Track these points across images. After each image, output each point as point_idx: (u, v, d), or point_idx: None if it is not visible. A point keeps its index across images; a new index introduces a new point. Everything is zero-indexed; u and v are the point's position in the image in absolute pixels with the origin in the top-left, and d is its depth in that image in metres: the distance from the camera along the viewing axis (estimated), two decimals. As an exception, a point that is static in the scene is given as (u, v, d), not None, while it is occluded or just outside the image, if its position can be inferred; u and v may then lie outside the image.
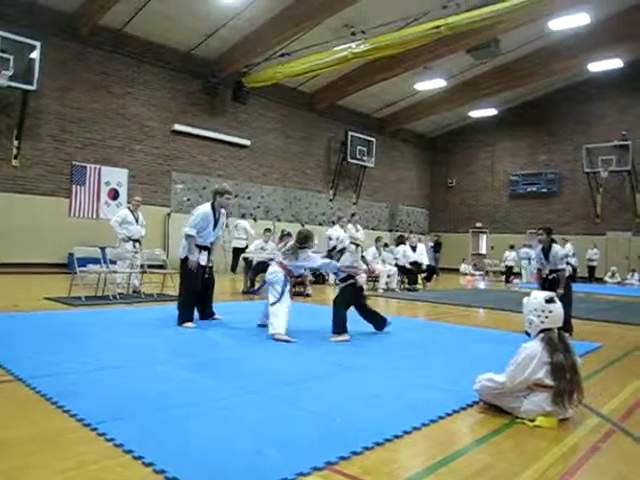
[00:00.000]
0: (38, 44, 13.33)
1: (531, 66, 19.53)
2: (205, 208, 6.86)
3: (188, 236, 6.69)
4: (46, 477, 2.47)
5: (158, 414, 3.32)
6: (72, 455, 2.71)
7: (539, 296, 3.80)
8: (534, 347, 3.64)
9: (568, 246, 18.05)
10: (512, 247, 21.51)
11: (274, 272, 6.44)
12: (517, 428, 3.44)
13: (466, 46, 17.18)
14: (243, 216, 15.97)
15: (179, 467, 2.56)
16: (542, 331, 3.71)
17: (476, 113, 24.50)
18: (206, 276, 6.92)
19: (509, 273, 20.92)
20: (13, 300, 8.34)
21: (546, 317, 3.70)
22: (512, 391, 3.62)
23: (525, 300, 3.89)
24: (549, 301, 3.73)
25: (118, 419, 3.19)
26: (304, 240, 6.55)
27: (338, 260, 6.75)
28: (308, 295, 11.37)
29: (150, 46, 16.23)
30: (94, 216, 15.06)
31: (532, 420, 3.50)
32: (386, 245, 15.21)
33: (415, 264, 14.46)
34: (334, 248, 7.00)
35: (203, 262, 6.81)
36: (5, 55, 12.69)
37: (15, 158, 13.81)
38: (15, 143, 13.78)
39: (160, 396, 3.69)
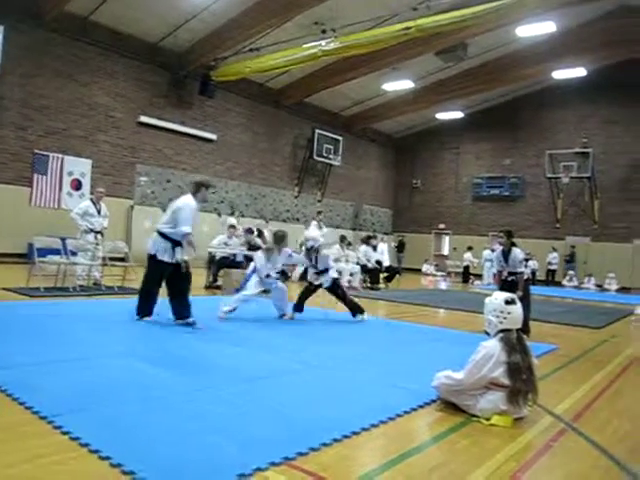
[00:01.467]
0: (1, 28, 12.99)
1: (497, 71, 19.90)
2: (190, 201, 6.36)
3: (188, 234, 6.22)
4: (-6, 470, 2.42)
5: (116, 408, 3.30)
6: (25, 448, 2.67)
7: (499, 297, 3.88)
8: (492, 346, 3.72)
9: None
10: (470, 248, 21.93)
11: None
12: (473, 426, 3.53)
13: (434, 49, 17.39)
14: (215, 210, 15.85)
15: (136, 461, 2.55)
16: (501, 331, 3.79)
17: (443, 115, 24.77)
18: (183, 271, 6.39)
19: (467, 274, 21.34)
20: (-32, 289, 8.15)
21: (504, 318, 3.78)
22: (469, 389, 3.70)
23: (487, 300, 3.97)
24: (509, 302, 3.81)
25: (75, 412, 3.16)
26: (281, 240, 7.53)
27: (315, 259, 7.75)
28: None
29: (118, 36, 15.95)
30: (56, 206, 14.75)
31: (488, 419, 3.59)
32: (349, 244, 15.32)
33: (377, 264, 14.64)
34: (312, 248, 7.83)
35: (181, 257, 6.36)
36: (-35, 37, 12.35)
37: (-26, 144, 13.46)
38: (-26, 129, 13.43)
39: (118, 390, 3.67)
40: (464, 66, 19.87)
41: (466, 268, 21.55)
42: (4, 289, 8.39)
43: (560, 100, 22.92)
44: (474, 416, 3.64)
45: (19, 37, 13.83)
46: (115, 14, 15.12)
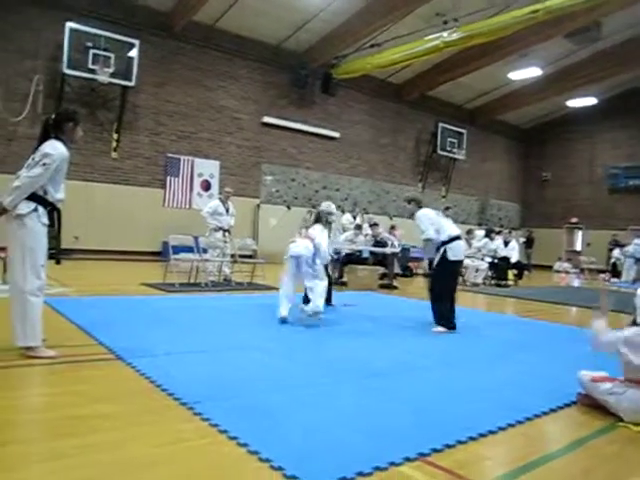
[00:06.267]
0: (137, 42, 13.90)
1: (636, 51, 18.36)
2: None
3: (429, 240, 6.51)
4: (144, 450, 2.57)
5: (250, 397, 3.39)
6: (170, 431, 2.82)
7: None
8: None
9: None
10: (617, 244, 20.26)
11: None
12: (619, 432, 3.23)
13: (564, 31, 16.28)
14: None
15: (272, 449, 2.59)
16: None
17: (574, 102, 23.27)
18: None
19: (615, 271, 19.72)
20: (112, 285, 8.74)
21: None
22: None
23: (639, 292, 3.64)
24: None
25: (212, 400, 3.29)
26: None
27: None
28: (395, 287, 11.32)
29: (241, 40, 16.51)
30: (187, 206, 15.54)
31: (638, 424, 3.27)
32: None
33: (504, 260, 13.98)
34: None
35: None
36: (107, 54, 13.33)
37: (114, 150, 14.46)
38: (115, 136, 14.42)
39: (251, 381, 3.77)
40: (598, 47, 18.49)
41: (614, 265, 19.95)
42: (143, 284, 8.92)
43: None
44: (621, 421, 3.34)
45: (152, 49, 14.74)
46: (238, 20, 15.65)
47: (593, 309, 3.78)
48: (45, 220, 4.14)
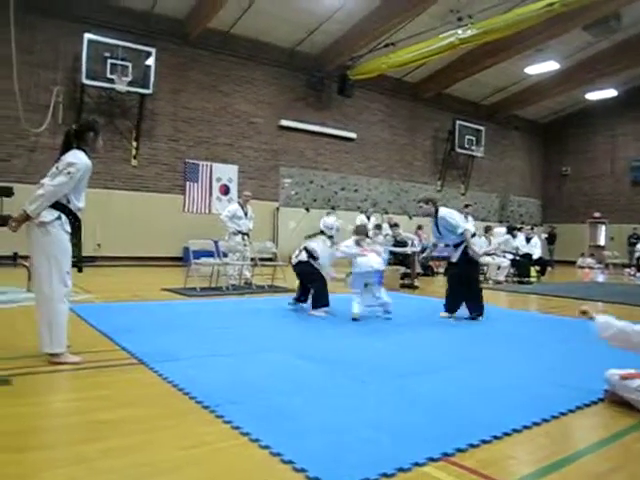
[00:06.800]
0: (153, 50, 14.05)
1: (658, 41, 18.03)
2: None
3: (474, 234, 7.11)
4: (169, 453, 2.59)
5: (271, 400, 3.38)
6: (193, 434, 2.83)
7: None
8: None
9: None
10: (638, 237, 19.95)
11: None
12: (649, 429, 3.17)
13: (582, 23, 16.01)
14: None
15: (294, 451, 2.58)
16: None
17: (594, 95, 22.95)
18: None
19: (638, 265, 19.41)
20: (134, 290, 8.80)
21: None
22: None
23: None
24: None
25: (234, 403, 3.29)
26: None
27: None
28: (416, 287, 11.28)
29: (256, 45, 16.58)
30: (207, 211, 15.64)
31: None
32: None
33: (526, 256, 13.82)
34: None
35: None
36: (124, 63, 13.53)
37: (134, 158, 14.61)
38: (134, 144, 14.58)
39: (272, 383, 3.76)
40: (617, 39, 18.22)
41: (638, 259, 19.61)
42: (164, 289, 8.98)
43: None
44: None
45: (168, 57, 14.89)
46: (253, 25, 15.72)
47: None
48: (68, 228, 4.19)
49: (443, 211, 6.91)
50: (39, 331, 4.08)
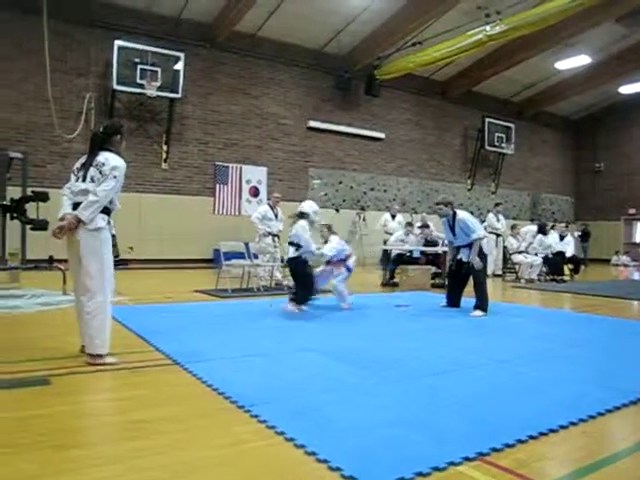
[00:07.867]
0: (182, 55, 14.23)
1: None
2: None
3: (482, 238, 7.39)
4: (204, 452, 2.61)
5: (304, 399, 3.39)
6: (228, 434, 2.86)
7: None
8: None
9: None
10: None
11: None
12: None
13: (614, 15, 15.63)
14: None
15: (329, 450, 2.58)
16: None
17: (627, 89, 22.36)
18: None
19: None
20: (166, 292, 8.90)
21: None
22: None
23: None
24: None
25: (268, 402, 3.31)
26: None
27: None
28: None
29: (283, 47, 16.66)
30: (237, 213, 15.76)
31: None
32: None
33: (559, 254, 13.59)
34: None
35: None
36: (154, 68, 13.76)
37: (164, 162, 14.80)
38: (164, 148, 14.77)
39: (305, 382, 3.77)
40: (651, 31, 17.86)
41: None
42: (196, 291, 9.08)
43: None
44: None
45: (196, 61, 15.06)
46: (280, 27, 15.80)
47: None
48: (114, 231, 4.31)
49: (462, 214, 7.40)
50: (89, 334, 4.15)
